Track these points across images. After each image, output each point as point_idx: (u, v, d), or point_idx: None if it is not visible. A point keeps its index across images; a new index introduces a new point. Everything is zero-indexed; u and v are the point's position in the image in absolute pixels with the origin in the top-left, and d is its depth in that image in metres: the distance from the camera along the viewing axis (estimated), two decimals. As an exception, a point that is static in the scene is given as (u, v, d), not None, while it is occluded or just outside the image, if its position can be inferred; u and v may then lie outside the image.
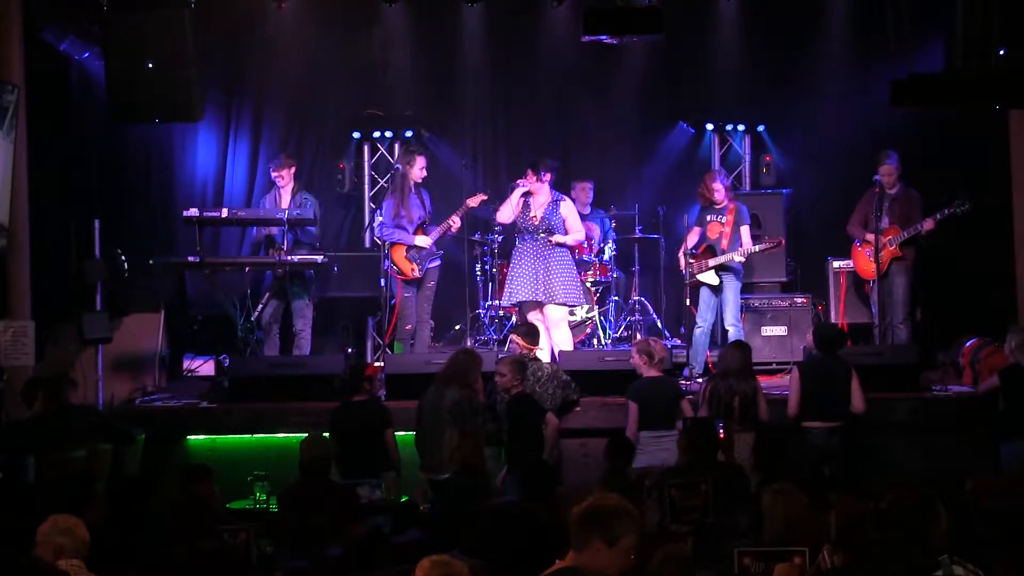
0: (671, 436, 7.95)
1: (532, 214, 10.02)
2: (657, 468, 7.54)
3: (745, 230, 10.27)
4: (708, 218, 10.31)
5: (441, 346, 11.07)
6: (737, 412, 8.26)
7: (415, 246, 10.51)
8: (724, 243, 10.19)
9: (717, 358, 9.39)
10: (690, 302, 10.42)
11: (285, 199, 10.87)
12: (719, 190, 10.26)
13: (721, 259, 10.14)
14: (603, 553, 4.13)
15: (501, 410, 8.47)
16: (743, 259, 10.25)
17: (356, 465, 7.93)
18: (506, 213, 10.12)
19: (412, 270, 10.54)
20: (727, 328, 10.20)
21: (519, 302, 10.05)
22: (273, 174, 10.96)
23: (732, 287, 10.25)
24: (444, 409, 8.21)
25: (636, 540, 4.17)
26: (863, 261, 10.58)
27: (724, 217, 10.24)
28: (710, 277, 10.18)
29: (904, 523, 4.47)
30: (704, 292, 10.24)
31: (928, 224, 10.16)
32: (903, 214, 10.36)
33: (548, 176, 10.03)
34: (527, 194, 10.03)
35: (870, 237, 10.31)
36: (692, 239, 10.40)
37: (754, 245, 10.23)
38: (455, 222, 10.54)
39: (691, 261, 10.27)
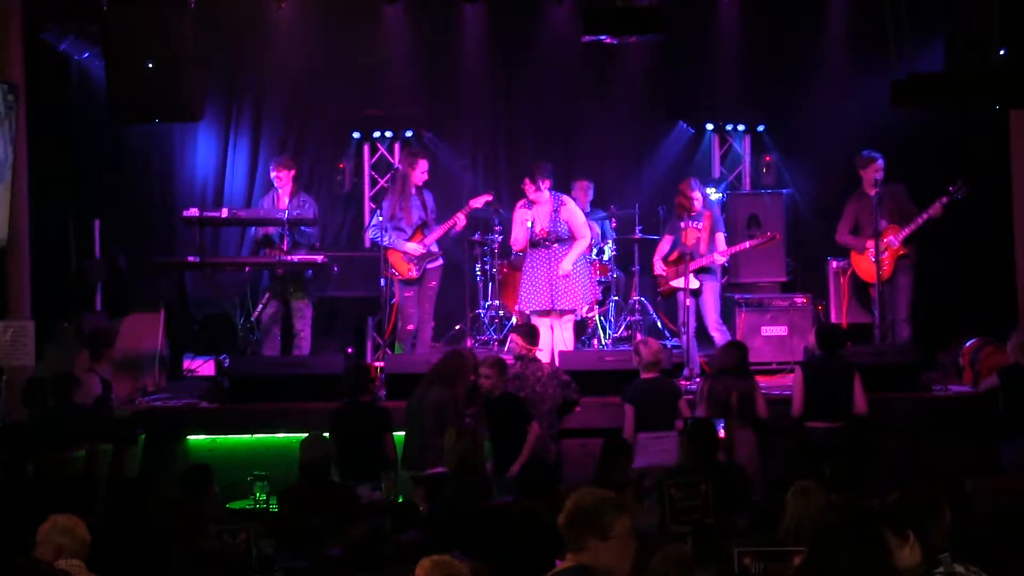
0: (670, 436, 7.94)
1: (538, 228, 10.02)
2: (657, 468, 7.53)
3: (720, 236, 10.32)
4: (683, 224, 10.27)
5: (442, 346, 11.06)
6: (735, 409, 8.25)
7: (405, 252, 10.50)
8: (702, 248, 10.21)
9: (713, 358, 9.38)
10: (662, 310, 10.42)
11: (283, 200, 10.85)
12: (698, 199, 10.26)
13: (703, 261, 10.16)
14: (601, 549, 3.99)
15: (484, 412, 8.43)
16: (724, 260, 10.36)
17: (355, 466, 7.93)
18: (519, 238, 10.11)
19: (409, 271, 10.53)
20: (712, 334, 10.18)
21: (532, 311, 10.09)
22: (273, 173, 10.91)
23: (712, 289, 10.28)
24: (426, 409, 8.20)
25: (628, 523, 4.07)
26: (866, 264, 10.47)
27: (700, 223, 10.25)
28: (690, 281, 10.16)
29: (906, 522, 4.46)
30: (681, 298, 10.18)
31: (935, 209, 10.13)
32: (896, 209, 10.34)
33: (547, 183, 10.01)
34: (530, 204, 10.05)
35: (869, 243, 10.29)
36: (664, 246, 10.43)
37: (748, 242, 10.35)
38: (461, 219, 10.55)
39: (665, 269, 10.32)
